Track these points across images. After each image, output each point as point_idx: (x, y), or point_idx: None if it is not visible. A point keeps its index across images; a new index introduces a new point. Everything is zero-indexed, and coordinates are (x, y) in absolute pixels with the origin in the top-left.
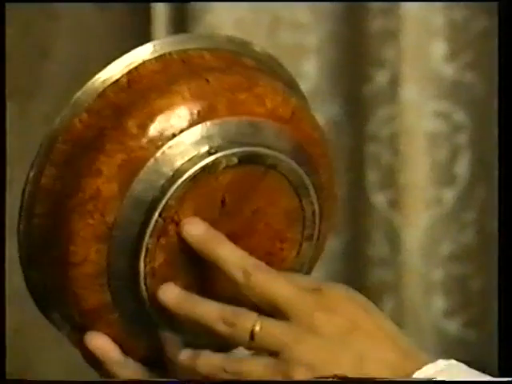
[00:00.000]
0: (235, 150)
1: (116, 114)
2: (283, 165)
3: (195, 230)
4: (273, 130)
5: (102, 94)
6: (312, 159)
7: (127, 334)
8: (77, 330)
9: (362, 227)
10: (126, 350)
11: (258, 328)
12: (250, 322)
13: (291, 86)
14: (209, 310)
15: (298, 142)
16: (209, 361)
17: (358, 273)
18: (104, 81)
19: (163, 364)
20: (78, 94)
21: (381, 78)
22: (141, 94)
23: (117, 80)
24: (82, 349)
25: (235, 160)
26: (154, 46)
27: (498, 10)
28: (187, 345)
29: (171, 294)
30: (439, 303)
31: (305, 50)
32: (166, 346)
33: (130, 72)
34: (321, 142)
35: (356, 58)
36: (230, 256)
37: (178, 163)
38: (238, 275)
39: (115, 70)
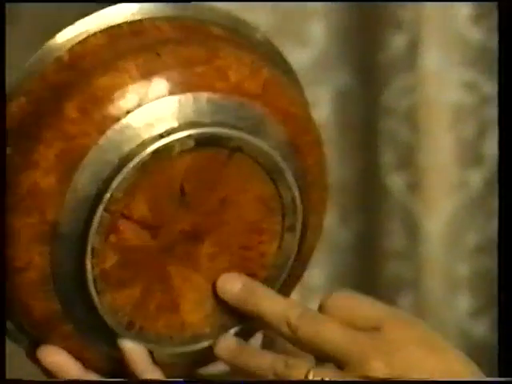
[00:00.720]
0: (191, 131)
1: (55, 97)
2: (250, 147)
3: (232, 287)
4: (237, 107)
5: (42, 74)
6: (290, 139)
7: (85, 346)
8: (32, 344)
9: (375, 214)
10: (86, 364)
11: (310, 379)
12: (302, 372)
13: (272, 57)
14: (261, 363)
15: (271, 119)
16: (259, 360)
17: (372, 267)
18: (44, 58)
19: (128, 376)
20: (17, 74)
21: (398, 42)
22: (83, 73)
23: (58, 57)
24: (39, 365)
25: (191, 143)
26: (103, 16)
27: (497, 10)
28: (152, 353)
29: (227, 348)
30: (464, 302)
31: (310, 11)
32: (127, 357)
33: (72, 48)
34: (301, 118)
35: (369, 20)
36: (271, 310)
37: (125, 149)
38: (284, 329)
39: (57, 46)
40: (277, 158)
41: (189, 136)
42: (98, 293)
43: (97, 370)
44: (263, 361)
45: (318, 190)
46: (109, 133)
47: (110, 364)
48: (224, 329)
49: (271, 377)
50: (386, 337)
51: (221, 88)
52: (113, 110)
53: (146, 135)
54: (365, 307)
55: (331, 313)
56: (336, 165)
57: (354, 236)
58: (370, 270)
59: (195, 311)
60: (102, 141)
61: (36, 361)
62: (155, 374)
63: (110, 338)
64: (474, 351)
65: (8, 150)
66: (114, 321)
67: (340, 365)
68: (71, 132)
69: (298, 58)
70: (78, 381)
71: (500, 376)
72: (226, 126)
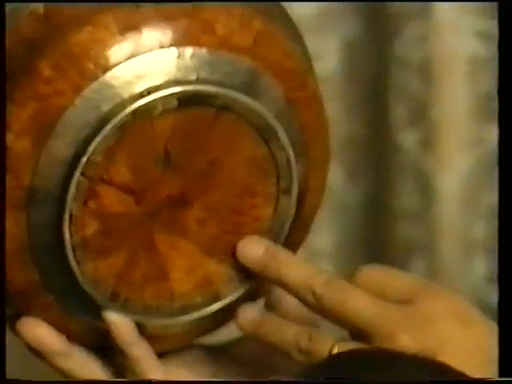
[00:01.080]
0: (174, 89)
1: (28, 53)
2: (239, 105)
3: (253, 250)
4: (225, 63)
5: (16, 28)
6: (285, 95)
7: (67, 318)
8: (14, 316)
9: (385, 173)
10: (69, 336)
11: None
12: (327, 347)
13: (267, 8)
14: (285, 335)
15: (263, 74)
16: (283, 332)
17: (382, 229)
18: (18, 10)
19: (115, 350)
20: None
21: None
22: (58, 28)
23: (33, 10)
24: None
25: (174, 102)
26: None
27: (498, 10)
28: (139, 326)
29: (248, 317)
30: (480, 266)
31: None
32: (112, 330)
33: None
34: (297, 73)
35: None
36: (294, 277)
37: (104, 110)
38: (308, 297)
39: None
40: (268, 117)
41: (172, 94)
42: (77, 262)
43: (81, 343)
44: (287, 332)
45: (317, 148)
46: (86, 92)
47: (95, 335)
48: (217, 298)
49: (294, 350)
50: (417, 310)
51: (207, 42)
52: (90, 67)
53: (125, 94)
54: (396, 280)
55: (361, 287)
56: (343, 120)
57: (363, 196)
58: (379, 233)
59: (185, 280)
60: (78, 101)
61: (17, 332)
62: (142, 346)
63: (93, 309)
64: (491, 318)
65: None
66: (96, 291)
67: (366, 337)
68: (45, 92)
69: (303, 5)
70: (79, 381)
71: (500, 376)
72: (212, 84)
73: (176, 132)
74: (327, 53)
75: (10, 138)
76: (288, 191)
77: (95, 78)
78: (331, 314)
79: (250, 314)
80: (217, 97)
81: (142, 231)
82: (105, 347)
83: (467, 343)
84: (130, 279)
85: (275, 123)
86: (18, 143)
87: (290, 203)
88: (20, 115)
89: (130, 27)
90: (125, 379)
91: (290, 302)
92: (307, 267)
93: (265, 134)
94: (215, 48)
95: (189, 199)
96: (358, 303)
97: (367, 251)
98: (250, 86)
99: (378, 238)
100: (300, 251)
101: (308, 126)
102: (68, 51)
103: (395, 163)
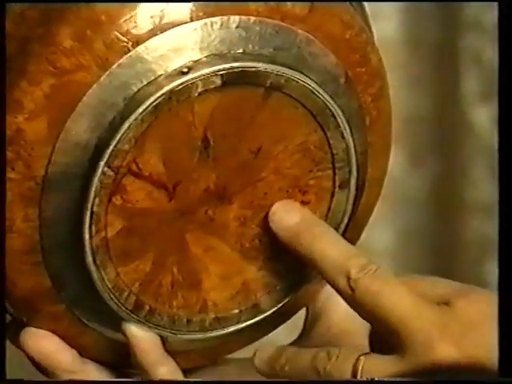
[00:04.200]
0: (217, 66)
1: (45, 19)
2: (292, 84)
3: (286, 218)
4: (277, 34)
5: None
6: (343, 72)
7: (81, 330)
8: (16, 323)
9: (454, 157)
10: (82, 351)
11: (359, 373)
12: (349, 364)
13: None
14: (301, 362)
15: (319, 48)
16: (299, 361)
17: (450, 223)
18: None
19: (133, 367)
20: None
21: None
22: None
23: None
24: (23, 350)
25: (217, 81)
26: None
27: (498, 10)
28: (163, 341)
29: (264, 357)
30: None
31: None
32: (134, 346)
33: None
34: (358, 43)
35: None
36: (329, 255)
37: (134, 89)
38: (340, 281)
39: None
40: (326, 99)
41: (214, 72)
42: (97, 267)
43: (96, 359)
44: (303, 358)
45: (378, 133)
46: (113, 67)
47: (112, 351)
48: (256, 310)
49: (314, 375)
50: (456, 312)
51: (255, 11)
52: (119, 38)
53: (160, 71)
54: (434, 284)
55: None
56: (405, 94)
57: (428, 185)
58: (447, 228)
59: (220, 288)
60: (104, 77)
61: (20, 344)
62: (169, 365)
63: (112, 320)
64: None
65: None
66: (117, 301)
67: (398, 344)
68: (65, 65)
69: None
70: (81, 381)
71: (500, 376)
72: (261, 59)
73: (217, 116)
74: (385, 14)
75: (19, 120)
76: (345, 186)
77: (125, 51)
78: (364, 304)
79: (266, 353)
80: (267, 75)
81: (173, 231)
82: (124, 365)
83: None
84: (156, 287)
85: (334, 106)
86: (30, 126)
87: (347, 199)
88: (34, 92)
89: None
90: (125, 379)
91: (337, 309)
92: (346, 246)
93: (321, 118)
94: (265, 17)
95: (228, 194)
96: (397, 298)
97: (433, 250)
98: (304, 62)
99: (445, 235)
100: None
101: (368, 108)
102: (92, 18)
103: (466, 145)
